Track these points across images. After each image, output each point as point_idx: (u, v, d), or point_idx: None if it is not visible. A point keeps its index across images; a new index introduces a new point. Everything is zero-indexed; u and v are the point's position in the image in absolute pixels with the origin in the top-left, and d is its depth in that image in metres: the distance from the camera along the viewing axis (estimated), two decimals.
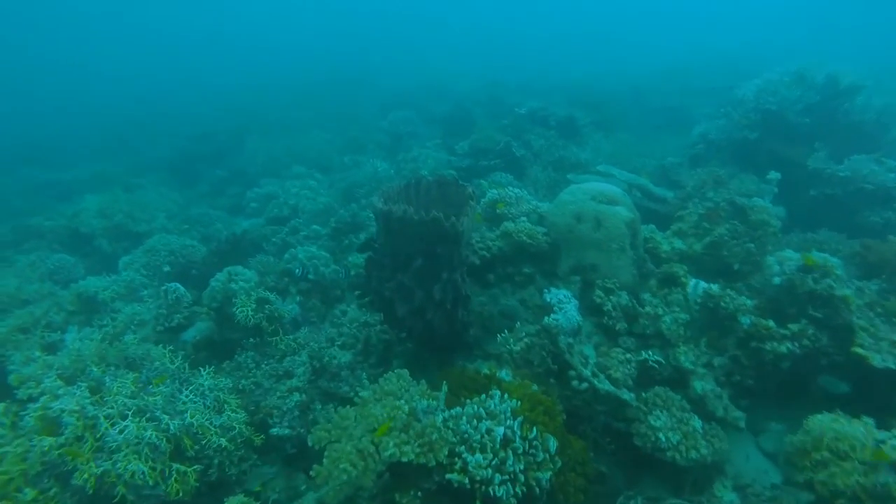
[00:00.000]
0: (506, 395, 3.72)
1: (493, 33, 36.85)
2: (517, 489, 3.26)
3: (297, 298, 6.28)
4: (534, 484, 3.32)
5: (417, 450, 3.17)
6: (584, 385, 4.05)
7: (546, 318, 4.77)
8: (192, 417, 4.03)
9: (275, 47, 39.51)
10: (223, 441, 4.13)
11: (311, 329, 5.93)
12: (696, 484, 4.22)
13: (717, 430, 4.15)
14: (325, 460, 3.22)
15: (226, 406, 4.50)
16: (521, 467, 3.34)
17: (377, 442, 3.20)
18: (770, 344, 4.23)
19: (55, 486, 3.45)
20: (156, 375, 4.29)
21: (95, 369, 4.10)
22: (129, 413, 3.69)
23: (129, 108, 23.75)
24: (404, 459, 3.13)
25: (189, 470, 3.78)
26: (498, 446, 3.38)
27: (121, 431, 3.53)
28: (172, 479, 3.67)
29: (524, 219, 5.59)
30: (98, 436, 3.50)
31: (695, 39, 28.37)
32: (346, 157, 12.63)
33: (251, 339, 5.49)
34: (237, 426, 4.34)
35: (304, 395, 4.90)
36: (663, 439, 3.93)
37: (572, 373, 4.10)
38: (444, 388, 3.68)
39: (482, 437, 3.40)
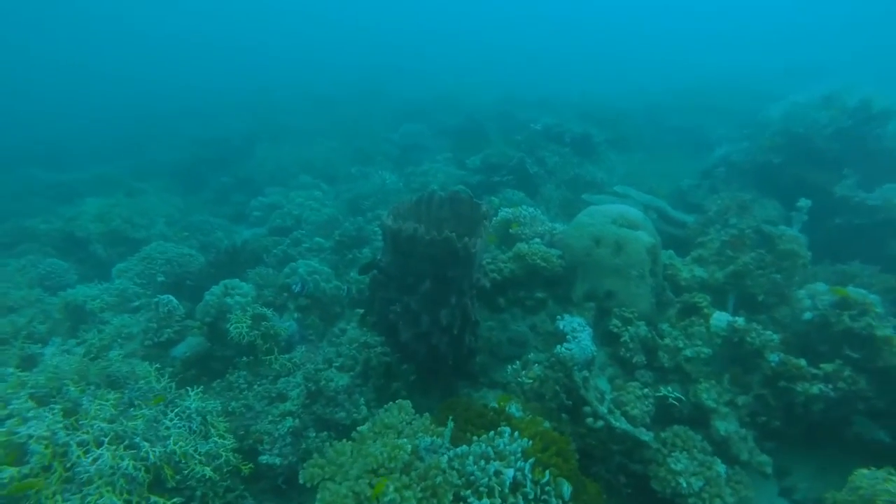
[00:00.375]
0: (516, 433, 3.41)
1: (507, 50, 36.85)
2: None
3: (296, 315, 5.99)
4: None
5: (420, 494, 2.86)
6: (600, 423, 3.73)
7: (558, 346, 4.47)
8: (175, 444, 3.71)
9: (289, 56, 39.67)
10: (207, 471, 3.81)
11: (308, 348, 5.63)
12: None
13: (742, 476, 3.82)
14: (317, 503, 2.92)
15: (213, 431, 4.19)
16: None
17: (375, 485, 2.89)
18: (801, 384, 3.91)
19: None
20: (139, 396, 4.00)
21: (73, 389, 3.81)
22: (106, 440, 3.39)
23: (138, 111, 23.70)
24: None
25: (168, 503, 3.46)
26: (507, 491, 3.07)
27: (94, 461, 3.22)
28: None
29: (538, 240, 5.32)
30: (68, 465, 3.20)
31: (711, 59, 28.19)
32: (354, 168, 12.40)
33: (244, 358, 5.20)
34: (224, 454, 4.02)
35: (297, 421, 4.59)
36: (685, 485, 3.61)
37: (587, 409, 3.79)
38: (450, 423, 3.37)
39: (490, 479, 3.09)
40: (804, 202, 5.70)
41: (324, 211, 9.16)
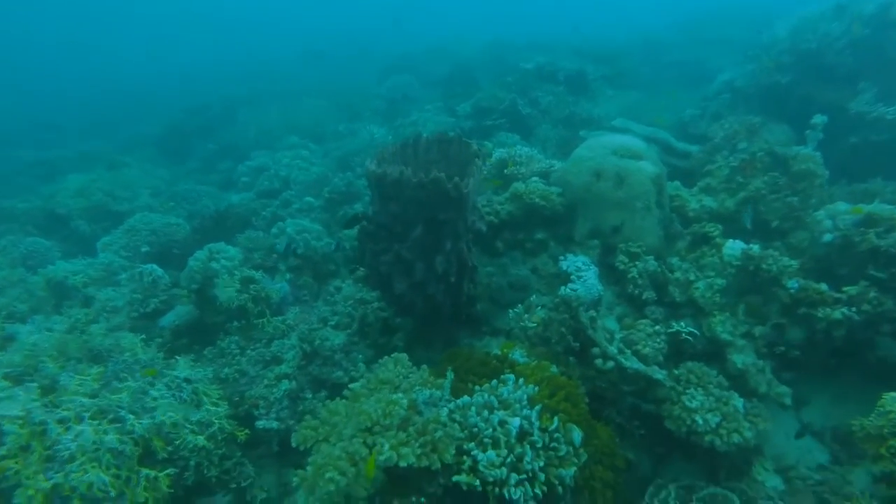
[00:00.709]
0: (521, 380, 3.20)
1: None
2: (536, 489, 2.76)
3: (287, 276, 5.75)
4: (556, 482, 2.82)
5: (419, 451, 2.66)
6: (610, 364, 3.51)
7: (563, 288, 4.22)
8: (163, 415, 3.53)
9: (270, 19, 38.24)
10: (200, 439, 3.65)
11: (302, 309, 5.41)
12: (734, 468, 3.72)
13: (761, 409, 3.62)
14: (309, 467, 2.72)
15: (205, 399, 4.01)
16: (541, 464, 2.83)
17: (371, 444, 2.69)
18: (822, 310, 3.65)
19: None
20: (124, 368, 3.80)
21: (51, 365, 3.61)
22: (87, 415, 3.20)
23: (120, 85, 22.97)
24: (403, 464, 2.62)
25: (160, 475, 3.30)
26: (513, 441, 2.87)
27: (75, 437, 3.04)
28: (141, 486, 3.19)
29: (536, 179, 4.99)
30: (48, 444, 3.01)
31: None
32: (342, 126, 11.94)
33: (235, 323, 4.99)
34: (217, 421, 3.85)
35: (293, 383, 4.41)
36: (700, 422, 3.41)
37: (596, 350, 3.56)
38: (450, 374, 3.15)
39: (494, 430, 2.89)
40: (819, 118, 5.31)
41: (312, 170, 8.81)
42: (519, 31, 18.90)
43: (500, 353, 3.60)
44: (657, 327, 3.94)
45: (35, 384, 3.38)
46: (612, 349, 3.54)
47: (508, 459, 2.78)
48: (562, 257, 4.55)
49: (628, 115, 8.26)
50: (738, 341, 3.87)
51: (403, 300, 4.27)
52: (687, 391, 3.55)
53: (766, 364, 3.77)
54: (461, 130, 8.14)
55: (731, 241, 4.26)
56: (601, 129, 7.26)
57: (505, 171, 5.24)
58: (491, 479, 2.70)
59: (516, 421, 2.92)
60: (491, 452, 2.78)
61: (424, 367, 3.34)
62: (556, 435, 2.92)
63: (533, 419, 2.95)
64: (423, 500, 2.75)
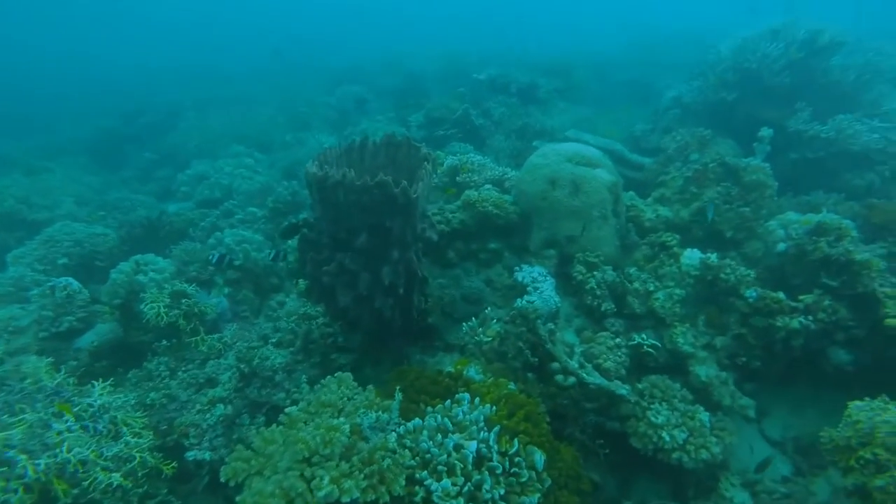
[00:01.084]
0: (476, 400, 2.95)
1: (448, 12, 35.48)
2: None
3: (226, 290, 5.31)
4: None
5: (364, 483, 2.34)
6: (571, 380, 3.31)
7: (518, 300, 4.02)
8: (68, 452, 3.06)
9: (217, 24, 37.11)
10: (116, 477, 3.18)
11: (240, 325, 4.99)
12: (701, 485, 3.58)
13: (726, 423, 3.51)
14: None
15: (125, 429, 3.54)
16: (502, 492, 2.58)
17: (309, 477, 2.35)
18: (781, 319, 3.59)
19: None
20: (22, 398, 3.29)
21: None
22: None
23: (45, 86, 21.54)
24: (346, 499, 2.30)
25: None
26: (471, 467, 2.60)
27: None
28: None
29: (489, 186, 4.80)
30: None
31: (659, 14, 27.87)
32: (289, 135, 11.52)
33: (164, 342, 4.52)
34: (138, 455, 3.40)
35: (229, 407, 4.00)
36: (667, 438, 3.26)
37: (556, 365, 3.36)
38: (398, 395, 2.85)
39: (449, 456, 2.62)
40: (766, 131, 5.39)
41: (256, 179, 8.36)
42: (472, 47, 18.94)
43: (453, 370, 3.33)
44: (618, 340, 3.79)
45: None
46: (573, 364, 3.35)
47: (466, 488, 2.52)
48: (517, 268, 4.36)
49: (580, 128, 8.28)
50: (700, 353, 3.76)
51: (349, 314, 3.95)
52: (651, 406, 3.39)
53: (729, 376, 3.67)
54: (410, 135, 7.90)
55: (689, 250, 4.19)
56: (555, 140, 7.20)
57: (458, 178, 5.03)
58: None
59: (473, 445, 2.66)
60: (446, 481, 2.51)
61: (370, 387, 3.03)
62: (516, 459, 2.68)
63: (491, 442, 2.70)
64: None
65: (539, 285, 4.06)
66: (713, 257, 4.01)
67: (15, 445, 2.87)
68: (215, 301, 5.05)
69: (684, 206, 4.93)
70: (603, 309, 3.98)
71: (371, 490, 2.37)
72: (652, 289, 4.05)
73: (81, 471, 3.10)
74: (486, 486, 2.54)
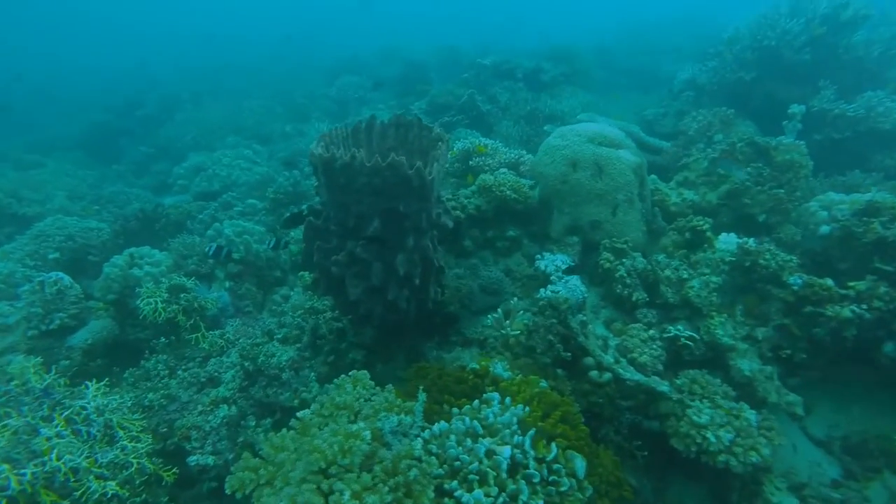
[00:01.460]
0: (507, 399, 2.67)
1: (446, 12, 34.83)
2: None
3: (227, 284, 5.02)
4: None
5: (389, 497, 2.07)
6: (607, 376, 3.03)
7: (542, 290, 3.74)
8: (58, 460, 2.79)
9: (211, 17, 36.58)
10: (111, 486, 2.91)
11: (243, 321, 4.71)
12: (745, 489, 3.31)
13: (772, 422, 3.23)
14: None
15: (121, 433, 3.26)
16: (540, 503, 2.30)
17: (327, 490, 2.08)
18: (831, 308, 3.31)
19: None
20: (7, 401, 3.01)
21: None
22: None
23: (37, 79, 21.12)
24: None
25: None
26: (504, 476, 2.33)
27: None
28: None
29: (504, 170, 4.51)
30: None
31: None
32: (289, 127, 11.20)
33: (163, 339, 4.24)
34: (136, 461, 3.13)
35: (233, 408, 3.73)
36: (713, 440, 2.98)
37: (589, 360, 3.08)
38: (422, 395, 2.58)
39: (481, 463, 2.34)
40: (797, 107, 5.10)
41: (256, 170, 8.06)
42: (470, 40, 18.59)
43: (477, 366, 3.05)
44: (651, 332, 3.51)
45: None
46: (608, 358, 3.07)
47: (500, 500, 2.24)
48: (538, 256, 4.08)
49: (590, 112, 7.98)
50: (741, 345, 3.48)
51: (360, 308, 3.66)
52: (692, 404, 3.11)
53: (774, 370, 3.39)
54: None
55: (724, 234, 3.91)
56: (566, 124, 6.90)
57: (470, 161, 4.74)
58: None
59: (507, 450, 2.38)
60: (478, 492, 2.24)
61: (390, 387, 2.75)
62: (555, 466, 2.41)
63: (527, 447, 2.43)
64: None
65: (563, 274, 3.77)
66: (751, 241, 3.73)
67: None
68: (216, 295, 4.77)
69: (711, 188, 4.64)
70: (634, 299, 3.70)
71: None
72: (686, 276, 3.77)
73: (73, 480, 2.83)
74: (523, 497, 2.27)
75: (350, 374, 2.84)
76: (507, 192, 4.12)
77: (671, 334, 3.45)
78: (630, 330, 3.51)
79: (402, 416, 2.47)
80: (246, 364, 3.96)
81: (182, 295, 4.38)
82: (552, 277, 3.82)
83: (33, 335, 4.02)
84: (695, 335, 3.47)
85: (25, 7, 39.31)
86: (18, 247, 5.70)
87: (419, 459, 2.27)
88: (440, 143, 3.51)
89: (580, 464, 2.45)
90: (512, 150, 4.89)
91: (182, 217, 6.69)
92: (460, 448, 2.40)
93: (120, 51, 29.00)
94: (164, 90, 16.12)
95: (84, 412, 3.25)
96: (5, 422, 2.80)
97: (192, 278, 4.64)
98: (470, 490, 2.26)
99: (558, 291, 3.65)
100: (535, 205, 4.31)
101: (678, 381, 3.25)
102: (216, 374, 4.10)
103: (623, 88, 12.26)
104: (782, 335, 3.48)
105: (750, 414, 3.08)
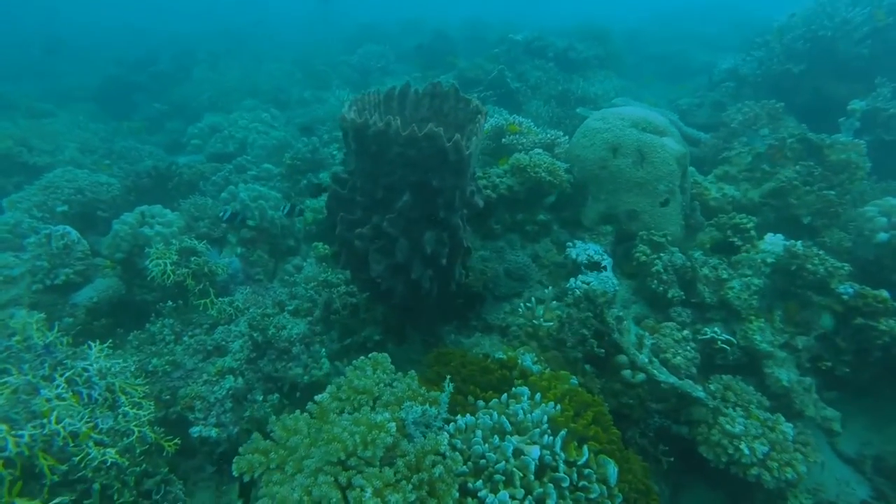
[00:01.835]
0: (537, 395, 2.49)
1: None
2: None
3: (238, 250, 4.84)
4: None
5: (412, 496, 1.90)
6: (640, 376, 2.84)
7: (572, 280, 3.54)
8: (57, 423, 2.64)
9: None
10: (110, 454, 2.77)
11: (254, 289, 4.54)
12: (769, 502, 3.14)
13: (808, 437, 3.05)
14: None
15: (123, 399, 3.12)
16: None
17: (345, 484, 1.91)
18: (885, 322, 3.10)
19: None
20: (7, 357, 2.86)
21: None
22: None
23: (55, 29, 20.77)
24: None
25: None
26: (532, 477, 2.16)
27: None
28: None
29: (539, 150, 4.27)
30: None
31: None
32: (308, 93, 10.93)
33: (170, 303, 4.08)
34: (136, 429, 2.98)
35: (240, 380, 3.58)
36: (747, 452, 2.80)
37: (622, 359, 2.89)
38: (449, 386, 2.40)
39: (507, 463, 2.17)
40: (857, 104, 4.80)
41: (273, 134, 7.82)
42: (496, 15, 18.07)
43: (504, 356, 2.87)
44: (685, 332, 3.31)
45: None
46: (643, 358, 2.88)
47: (526, 503, 2.07)
48: (570, 244, 3.86)
49: (623, 98, 7.66)
50: (779, 353, 3.28)
51: (381, 285, 3.48)
52: (725, 412, 2.93)
53: (813, 382, 3.19)
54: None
55: (770, 235, 3.67)
56: (599, 108, 6.61)
57: (503, 139, 4.49)
58: None
59: (535, 451, 2.21)
60: (504, 493, 2.07)
61: (412, 373, 2.57)
62: (586, 471, 2.23)
63: (557, 449, 2.25)
64: None
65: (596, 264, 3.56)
66: (799, 245, 3.50)
67: None
68: (226, 261, 4.59)
69: (754, 185, 4.39)
70: (670, 296, 3.49)
71: None
72: (725, 276, 3.55)
73: (72, 445, 2.69)
74: (550, 502, 2.10)
75: (370, 356, 2.66)
76: (543, 174, 3.89)
77: (707, 336, 3.25)
78: (663, 329, 3.32)
79: (427, 406, 2.29)
80: (255, 335, 3.81)
81: (192, 258, 4.21)
82: (583, 267, 3.61)
83: (37, 289, 3.86)
84: (732, 339, 3.27)
85: None
86: (26, 196, 5.53)
87: (443, 455, 2.10)
88: (479, 117, 3.28)
89: (612, 470, 2.27)
90: (547, 131, 4.63)
91: (195, 177, 6.48)
92: (486, 445, 2.23)
93: (143, 6, 28.52)
94: (180, 47, 15.79)
95: (86, 374, 3.10)
96: (5, 379, 2.65)
97: (204, 242, 4.46)
98: (495, 491, 2.09)
99: (589, 282, 3.45)
100: (568, 189, 4.08)
101: (711, 387, 3.06)
102: (223, 342, 3.95)
103: (653, 75, 11.88)
104: (824, 346, 3.27)
105: (787, 427, 2.89)
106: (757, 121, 5.08)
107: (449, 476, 2.02)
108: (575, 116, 6.35)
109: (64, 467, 2.63)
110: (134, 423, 3.01)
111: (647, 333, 3.10)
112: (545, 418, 2.35)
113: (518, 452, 2.22)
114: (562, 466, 2.22)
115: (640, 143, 3.89)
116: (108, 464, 2.77)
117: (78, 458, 2.67)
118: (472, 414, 2.39)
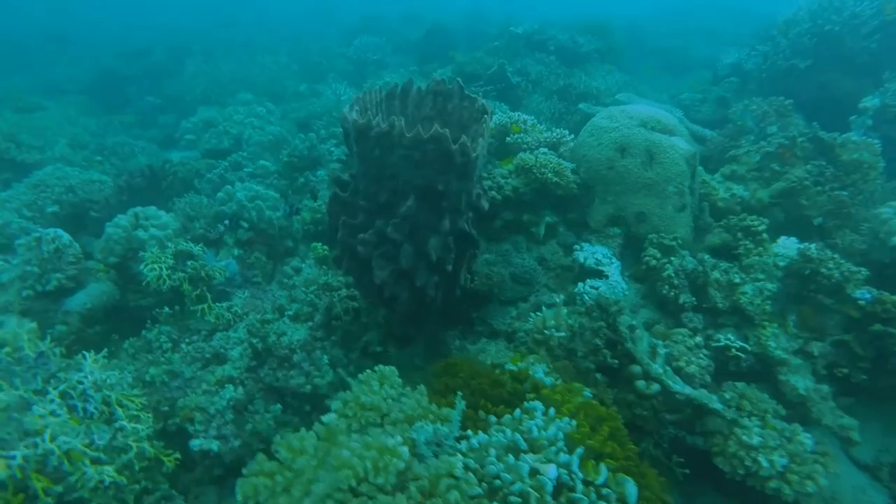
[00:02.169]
0: (551, 410, 2.40)
1: None
2: None
3: (235, 252, 4.72)
4: None
5: None
6: (655, 387, 2.76)
7: (580, 284, 3.45)
8: (52, 441, 2.54)
9: None
10: (108, 472, 2.68)
11: (252, 293, 4.43)
12: None
13: (826, 447, 2.98)
14: None
15: (120, 412, 3.02)
16: None
17: None
18: None
19: None
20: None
21: None
22: None
23: (45, 19, 20.39)
24: None
25: None
26: (549, 499, 2.07)
27: None
28: None
29: (545, 150, 4.16)
30: None
31: None
32: (303, 86, 10.75)
33: (167, 309, 3.97)
34: (135, 444, 2.89)
35: (240, 390, 3.48)
36: (766, 464, 2.72)
37: (636, 369, 2.80)
38: (460, 402, 2.30)
39: (523, 483, 2.08)
40: (870, 101, 4.72)
41: (268, 129, 7.65)
42: (496, 6, 17.85)
43: (515, 368, 2.78)
44: (697, 339, 3.23)
45: None
46: (657, 368, 2.79)
47: None
48: (577, 247, 3.77)
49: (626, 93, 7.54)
50: (793, 360, 3.21)
51: (384, 291, 3.37)
52: (741, 422, 2.85)
53: (829, 389, 3.13)
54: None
55: (783, 237, 3.59)
56: (601, 104, 6.50)
57: (507, 139, 4.38)
58: None
59: (553, 470, 2.12)
60: None
61: (421, 388, 2.48)
62: (604, 491, 2.14)
63: (574, 468, 2.16)
64: None
65: (605, 269, 3.47)
66: (814, 248, 3.42)
67: None
68: (224, 264, 4.48)
69: (763, 185, 4.30)
70: (681, 301, 3.41)
71: None
72: (737, 281, 3.47)
73: (67, 464, 2.59)
74: None
75: (377, 369, 2.56)
76: (549, 175, 3.78)
77: (721, 343, 3.18)
78: (675, 335, 3.23)
79: (438, 424, 2.20)
80: (255, 342, 3.71)
81: (189, 262, 4.10)
82: (591, 271, 3.52)
83: (28, 296, 3.73)
84: (746, 346, 3.19)
85: None
86: (15, 195, 5.38)
87: (459, 479, 2.01)
88: (485, 116, 3.17)
89: (632, 489, 2.19)
90: (552, 129, 4.52)
91: (190, 175, 6.34)
92: (501, 464, 2.14)
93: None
94: (173, 40, 15.52)
95: (81, 387, 3.00)
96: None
97: (200, 244, 4.34)
98: None
99: (598, 287, 3.36)
100: (574, 190, 3.98)
101: (726, 395, 2.98)
102: (222, 349, 3.85)
103: (655, 69, 11.75)
104: (841, 352, 3.20)
105: (805, 437, 2.82)
106: (766, 118, 4.98)
107: (464, 501, 1.93)
108: (577, 112, 6.23)
109: (59, 488, 2.54)
110: (132, 438, 2.92)
111: (660, 342, 3.02)
112: (561, 435, 2.26)
113: (534, 472, 2.13)
114: (580, 486, 2.13)
115: (649, 142, 3.80)
116: (107, 483, 2.67)
117: (74, 477, 2.57)
118: (484, 430, 2.30)
